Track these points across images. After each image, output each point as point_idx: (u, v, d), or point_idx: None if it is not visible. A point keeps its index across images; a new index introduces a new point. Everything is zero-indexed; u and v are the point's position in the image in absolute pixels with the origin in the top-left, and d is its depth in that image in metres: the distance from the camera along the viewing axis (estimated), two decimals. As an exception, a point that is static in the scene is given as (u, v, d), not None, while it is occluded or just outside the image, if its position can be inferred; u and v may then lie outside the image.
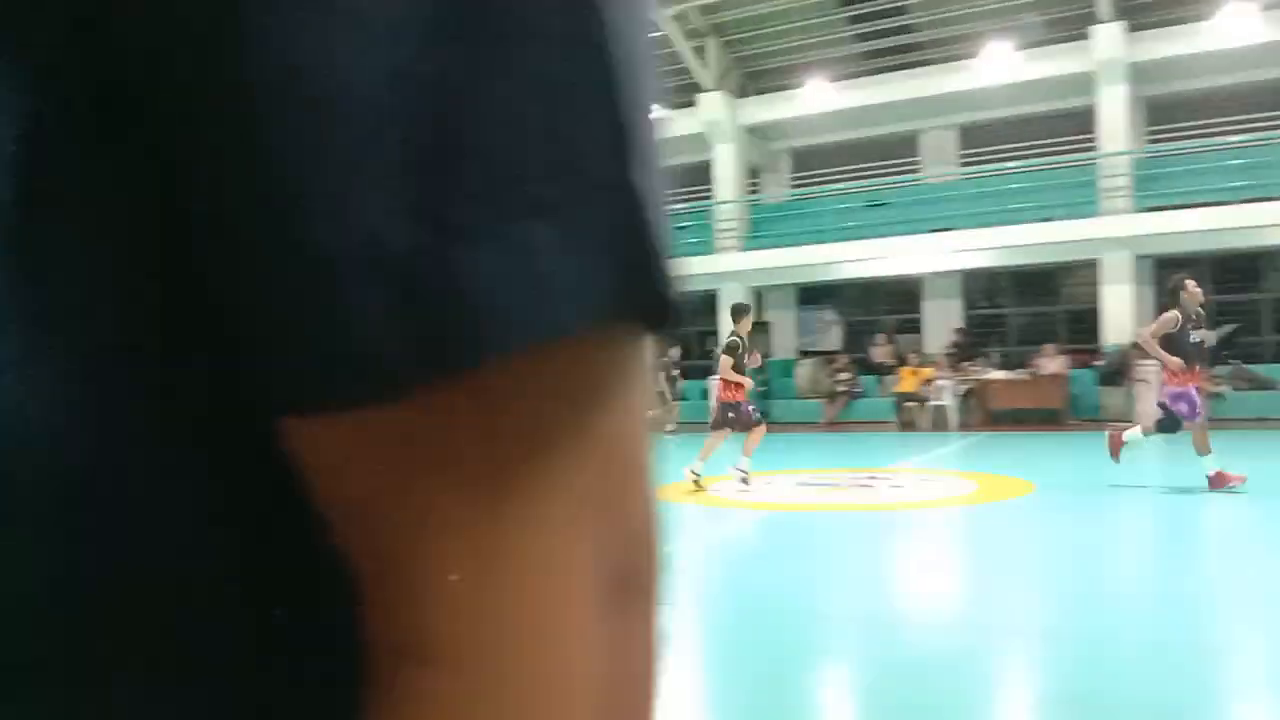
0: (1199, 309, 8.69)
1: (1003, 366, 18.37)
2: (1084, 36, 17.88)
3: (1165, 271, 15.25)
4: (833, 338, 21.75)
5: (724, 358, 9.64)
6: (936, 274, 19.63)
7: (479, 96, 0.24)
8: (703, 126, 20.76)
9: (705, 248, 20.33)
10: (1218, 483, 8.61)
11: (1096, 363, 17.32)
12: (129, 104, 0.26)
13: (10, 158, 0.26)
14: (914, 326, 20.63)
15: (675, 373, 18.11)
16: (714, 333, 19.34)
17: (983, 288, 20.25)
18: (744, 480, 9.74)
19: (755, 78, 21.61)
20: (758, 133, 21.82)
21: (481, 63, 0.25)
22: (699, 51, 20.49)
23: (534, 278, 0.25)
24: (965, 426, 17.26)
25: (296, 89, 0.24)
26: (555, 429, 0.27)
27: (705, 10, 19.62)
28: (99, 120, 0.26)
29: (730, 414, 9.72)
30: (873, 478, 10.75)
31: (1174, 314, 8.58)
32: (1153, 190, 17.65)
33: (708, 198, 21.40)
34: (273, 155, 0.24)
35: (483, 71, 0.25)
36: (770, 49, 20.99)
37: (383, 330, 0.24)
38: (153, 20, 0.24)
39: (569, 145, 0.25)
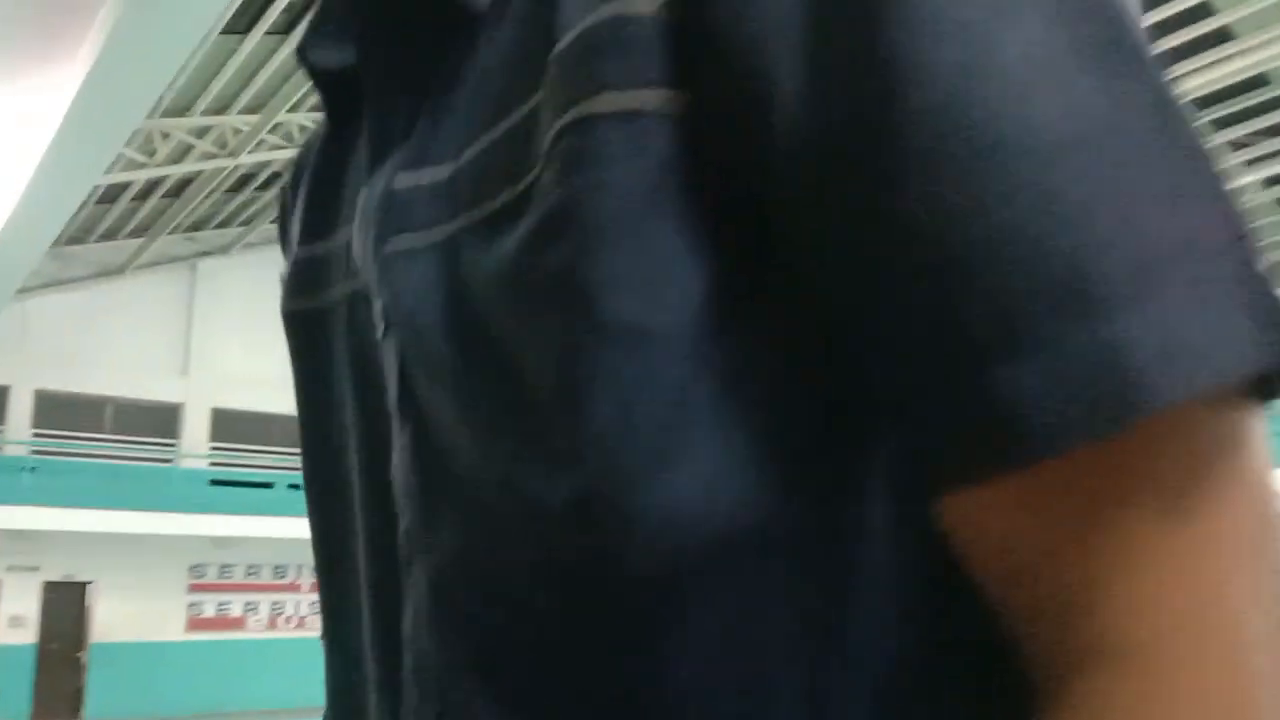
0: None
1: None
2: None
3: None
4: None
5: None
6: None
7: (1124, 178, 0.30)
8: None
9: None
10: None
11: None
12: (796, 244, 0.34)
13: (708, 290, 0.35)
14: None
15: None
16: None
17: None
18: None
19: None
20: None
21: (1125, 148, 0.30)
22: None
23: (1177, 343, 0.28)
24: None
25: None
26: (1213, 471, 0.30)
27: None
28: (774, 259, 0.35)
29: None
30: None
31: None
32: None
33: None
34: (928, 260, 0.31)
35: (1120, 157, 0.30)
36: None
37: (1043, 399, 0.29)
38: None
39: (1193, 229, 0.30)
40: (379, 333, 0.45)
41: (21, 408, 18.55)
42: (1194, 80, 12.33)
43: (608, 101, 0.35)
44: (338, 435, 0.49)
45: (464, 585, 0.40)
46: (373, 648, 0.45)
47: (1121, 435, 0.29)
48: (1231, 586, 0.30)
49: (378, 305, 0.44)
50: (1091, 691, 0.30)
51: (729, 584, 0.34)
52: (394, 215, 0.43)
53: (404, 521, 0.44)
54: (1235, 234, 0.30)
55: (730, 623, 0.35)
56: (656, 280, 0.35)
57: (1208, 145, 0.31)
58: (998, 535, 0.31)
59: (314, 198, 0.54)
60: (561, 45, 0.37)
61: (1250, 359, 0.29)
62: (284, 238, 0.59)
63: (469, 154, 0.40)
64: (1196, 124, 0.31)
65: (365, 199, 0.45)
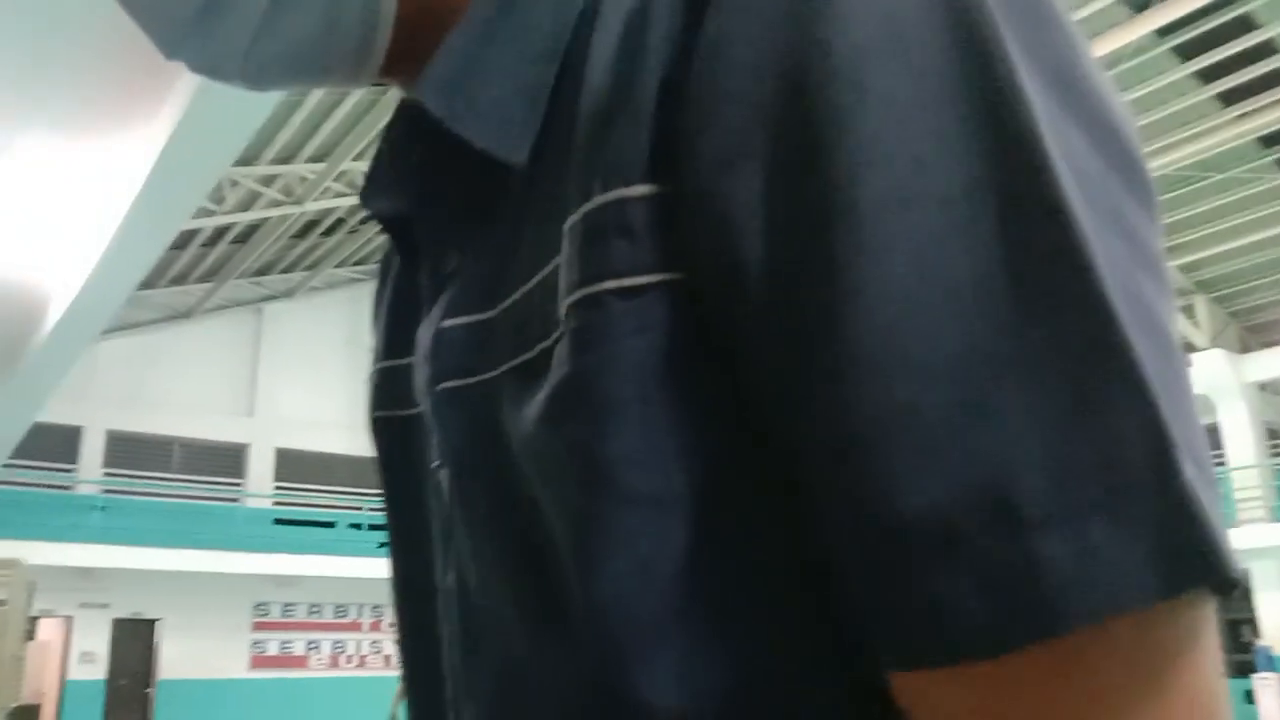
0: None
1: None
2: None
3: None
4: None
5: None
6: None
7: (1038, 407, 0.30)
8: (1202, 388, 17.71)
9: (1223, 520, 18.03)
10: None
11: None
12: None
13: (699, 483, 0.36)
14: None
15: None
16: (1249, 621, 16.66)
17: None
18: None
19: (1258, 331, 19.63)
20: (1271, 388, 19.16)
21: (1033, 381, 0.30)
22: (1188, 311, 18.77)
23: (1098, 564, 0.29)
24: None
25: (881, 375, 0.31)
26: (1134, 690, 0.30)
27: (1186, 269, 18.17)
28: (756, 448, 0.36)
29: None
30: None
31: None
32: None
33: (1219, 464, 18.11)
34: (852, 440, 0.31)
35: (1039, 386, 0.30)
36: (1271, 300, 19.02)
37: (967, 602, 0.29)
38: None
39: (1113, 448, 0.29)
40: (434, 464, 0.48)
41: (93, 448, 19.02)
42: None
43: (611, 285, 0.37)
44: (419, 531, 0.51)
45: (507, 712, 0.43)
46: None
47: (1042, 647, 0.29)
48: None
49: (434, 439, 0.47)
50: None
51: None
52: (444, 356, 0.45)
53: (449, 659, 0.47)
54: (1156, 451, 0.30)
55: None
56: (666, 451, 0.36)
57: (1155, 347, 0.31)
58: (941, 716, 0.32)
59: (395, 313, 0.56)
60: (572, 219, 0.39)
61: (1154, 585, 0.29)
62: (374, 324, 0.60)
63: (506, 304, 0.42)
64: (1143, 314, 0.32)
65: (421, 337, 0.48)
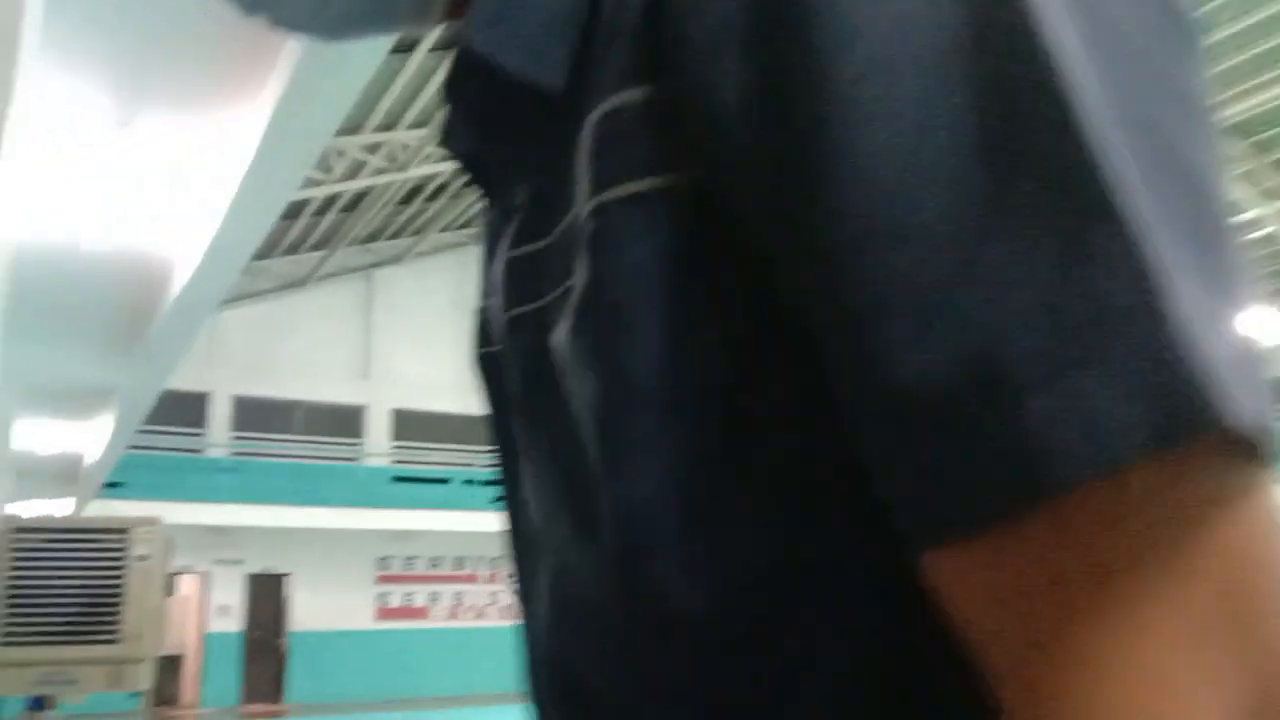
0: None
1: None
2: None
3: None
4: None
5: None
6: None
7: (1030, 267, 0.29)
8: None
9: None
10: None
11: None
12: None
13: (716, 382, 0.37)
14: None
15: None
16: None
17: None
18: None
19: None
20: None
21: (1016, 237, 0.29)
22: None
23: (1092, 420, 0.27)
24: None
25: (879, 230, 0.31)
26: (1148, 553, 0.28)
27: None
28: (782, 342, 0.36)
29: None
30: None
31: None
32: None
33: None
34: (851, 305, 0.31)
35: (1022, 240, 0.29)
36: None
37: (967, 472, 0.29)
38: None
39: (1099, 299, 0.28)
40: (510, 392, 0.50)
41: (221, 412, 19.93)
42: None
43: (618, 190, 0.38)
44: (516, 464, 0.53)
45: (559, 636, 0.45)
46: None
47: (1049, 513, 0.28)
48: (1182, 675, 0.28)
49: (509, 368, 0.49)
50: None
51: (767, 640, 0.36)
52: (511, 286, 0.47)
53: (521, 569, 0.51)
54: (1141, 296, 0.28)
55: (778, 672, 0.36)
56: (682, 352, 0.37)
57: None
58: (963, 594, 0.31)
59: (487, 253, 0.57)
60: (584, 132, 0.40)
61: (1149, 436, 0.27)
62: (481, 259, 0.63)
63: (556, 231, 0.44)
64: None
65: (494, 271, 0.50)
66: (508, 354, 0.48)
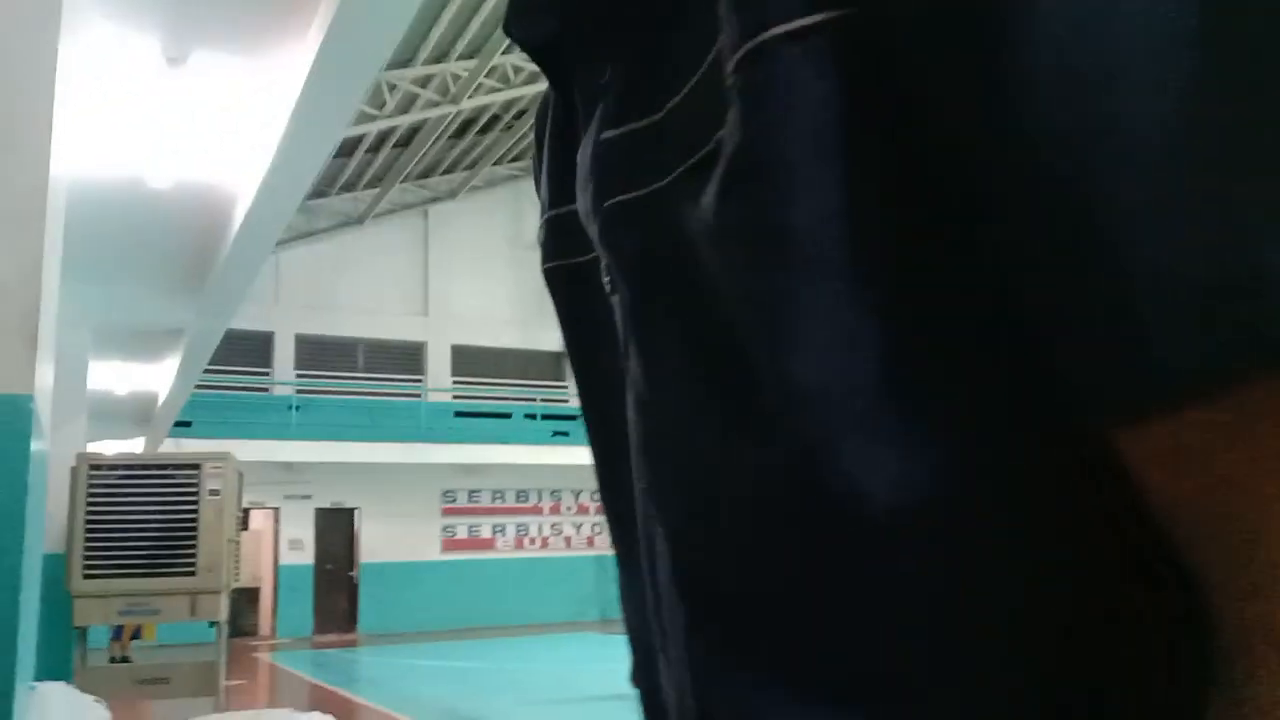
0: None
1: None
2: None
3: None
4: None
5: None
6: None
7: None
8: None
9: None
10: None
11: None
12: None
13: (896, 249, 0.32)
14: None
15: None
16: None
17: None
18: None
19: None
20: None
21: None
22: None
23: None
24: None
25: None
26: None
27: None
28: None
29: None
30: None
31: None
32: None
33: None
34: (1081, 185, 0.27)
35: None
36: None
37: (1191, 341, 0.26)
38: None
39: None
40: (607, 289, 0.45)
41: (285, 352, 20.25)
42: None
43: (781, 28, 0.33)
44: (608, 378, 0.48)
45: (695, 548, 0.40)
46: (649, 598, 0.45)
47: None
48: None
49: (603, 262, 0.45)
50: (1261, 616, 0.28)
51: (941, 543, 0.33)
52: (607, 172, 0.42)
53: (639, 483, 0.44)
54: None
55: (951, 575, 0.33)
56: (860, 215, 0.32)
57: None
58: (1193, 470, 0.28)
59: (554, 158, 0.53)
60: None
61: None
62: (537, 188, 0.58)
63: (672, 104, 0.39)
64: None
65: (581, 158, 0.45)
66: (609, 244, 0.43)
